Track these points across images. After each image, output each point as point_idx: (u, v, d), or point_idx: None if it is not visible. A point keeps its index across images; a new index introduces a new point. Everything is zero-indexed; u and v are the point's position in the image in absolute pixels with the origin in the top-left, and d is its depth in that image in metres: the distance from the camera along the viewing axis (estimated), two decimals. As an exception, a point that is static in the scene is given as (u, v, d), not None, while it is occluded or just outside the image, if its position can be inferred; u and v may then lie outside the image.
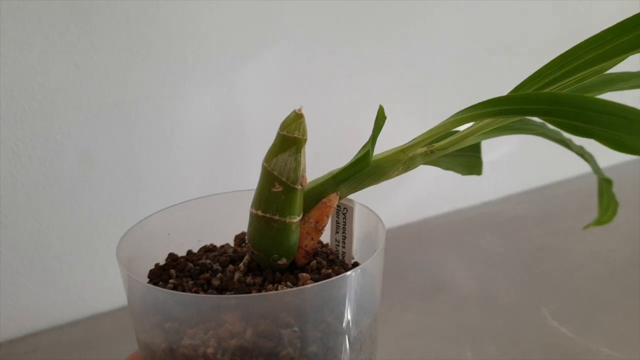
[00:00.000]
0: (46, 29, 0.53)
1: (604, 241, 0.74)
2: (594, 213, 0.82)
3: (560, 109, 0.25)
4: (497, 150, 0.89)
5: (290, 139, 0.27)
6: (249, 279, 0.28)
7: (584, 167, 0.96)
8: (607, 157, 1.02)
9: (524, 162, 0.92)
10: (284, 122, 0.27)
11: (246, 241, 0.33)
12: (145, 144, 0.61)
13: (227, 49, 0.62)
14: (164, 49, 0.59)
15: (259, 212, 0.28)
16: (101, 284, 0.62)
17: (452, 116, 0.30)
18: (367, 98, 0.74)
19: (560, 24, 0.88)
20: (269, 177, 0.27)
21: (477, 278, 0.66)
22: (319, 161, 0.73)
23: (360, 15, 0.70)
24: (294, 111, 0.27)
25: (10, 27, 0.51)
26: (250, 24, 0.63)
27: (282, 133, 0.27)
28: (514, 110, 0.27)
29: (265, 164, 0.28)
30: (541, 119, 0.27)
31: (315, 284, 0.26)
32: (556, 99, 0.25)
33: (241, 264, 0.29)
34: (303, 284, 0.27)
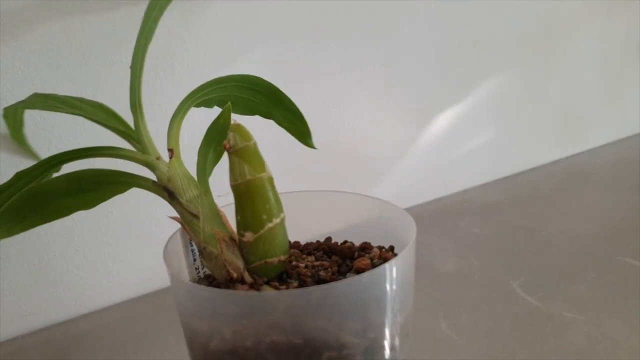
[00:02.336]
0: (41, 41, 0.58)
1: (573, 221, 0.79)
2: (564, 195, 0.87)
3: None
4: (475, 140, 0.94)
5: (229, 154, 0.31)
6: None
7: (556, 154, 1.02)
8: (584, 141, 1.08)
9: (500, 151, 0.97)
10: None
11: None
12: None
13: (210, 56, 0.67)
14: (153, 59, 0.64)
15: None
16: (106, 281, 0.67)
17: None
18: (348, 97, 0.79)
19: (529, 20, 0.93)
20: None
21: (453, 258, 0.71)
22: (303, 160, 0.78)
23: (336, 17, 0.75)
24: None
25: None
26: (229, 32, 0.68)
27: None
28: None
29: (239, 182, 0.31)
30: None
31: (358, 275, 0.26)
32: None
33: None
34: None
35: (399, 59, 0.82)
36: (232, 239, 0.30)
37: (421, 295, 0.63)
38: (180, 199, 0.31)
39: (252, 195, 0.29)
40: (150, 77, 0.64)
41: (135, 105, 0.35)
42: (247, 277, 0.29)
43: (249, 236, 0.29)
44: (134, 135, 0.34)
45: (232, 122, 0.30)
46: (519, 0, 0.91)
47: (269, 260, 0.29)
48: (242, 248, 0.29)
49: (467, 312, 0.59)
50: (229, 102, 0.31)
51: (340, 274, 0.31)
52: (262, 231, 0.29)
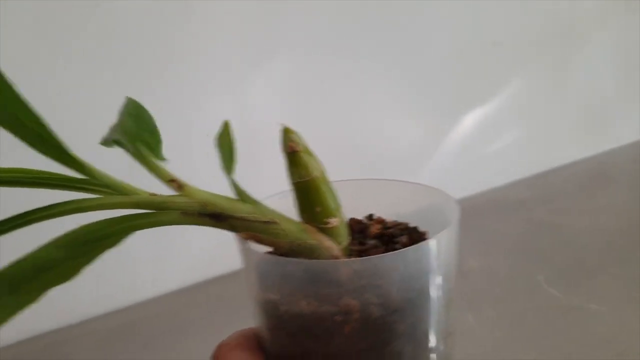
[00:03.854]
0: (72, 49, 0.62)
1: (596, 217, 0.81)
2: (588, 193, 0.88)
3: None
4: (500, 139, 0.96)
5: (288, 155, 0.31)
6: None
7: (580, 153, 1.03)
8: (607, 140, 1.09)
9: (525, 150, 0.99)
10: (281, 142, 0.31)
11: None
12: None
13: (235, 62, 0.71)
14: (180, 66, 0.67)
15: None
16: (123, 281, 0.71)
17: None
18: (367, 100, 0.82)
19: (551, 20, 0.95)
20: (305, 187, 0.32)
21: (479, 254, 0.73)
22: (329, 162, 0.80)
23: (355, 24, 0.78)
24: (281, 130, 0.31)
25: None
26: (253, 39, 0.71)
27: (284, 152, 0.31)
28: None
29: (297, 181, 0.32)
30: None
31: (413, 246, 0.29)
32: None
33: None
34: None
35: (424, 60, 0.85)
36: (314, 228, 0.32)
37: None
38: (238, 215, 0.31)
39: (321, 188, 0.32)
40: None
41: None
42: (342, 254, 0.32)
43: (334, 221, 0.32)
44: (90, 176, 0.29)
45: (281, 126, 0.32)
46: (540, 0, 0.92)
47: (346, 241, 0.32)
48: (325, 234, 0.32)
49: (492, 305, 0.61)
50: (228, 120, 0.31)
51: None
52: (339, 217, 0.32)
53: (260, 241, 0.31)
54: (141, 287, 0.71)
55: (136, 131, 0.33)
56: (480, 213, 0.87)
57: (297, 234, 0.31)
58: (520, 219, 0.84)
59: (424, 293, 0.29)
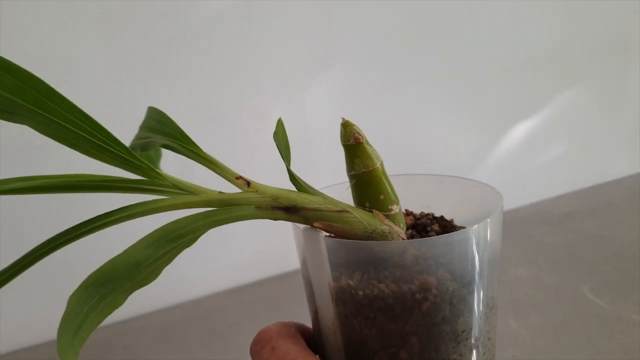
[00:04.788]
0: (144, 62, 0.66)
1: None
2: (637, 207, 0.87)
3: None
4: (549, 152, 0.96)
5: (351, 146, 0.33)
6: None
7: (632, 168, 1.02)
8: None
9: (575, 164, 0.99)
10: (341, 135, 0.33)
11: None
12: (227, 150, 0.72)
13: (293, 72, 0.74)
14: (242, 75, 0.71)
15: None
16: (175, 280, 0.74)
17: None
18: (419, 109, 0.83)
19: (602, 33, 0.95)
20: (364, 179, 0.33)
21: (525, 263, 0.74)
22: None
23: (409, 33, 0.80)
24: (341, 123, 0.33)
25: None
26: (311, 50, 0.74)
27: (345, 144, 0.33)
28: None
29: (352, 173, 0.33)
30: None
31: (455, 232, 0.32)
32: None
33: None
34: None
35: (473, 73, 0.86)
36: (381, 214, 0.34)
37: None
38: (311, 206, 0.32)
39: (383, 177, 0.34)
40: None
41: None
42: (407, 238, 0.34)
43: (395, 208, 0.34)
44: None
45: (342, 119, 0.34)
46: (591, 14, 0.93)
47: (404, 226, 0.35)
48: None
49: (536, 312, 0.62)
50: (280, 117, 0.33)
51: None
52: (399, 204, 0.34)
53: (334, 230, 0.32)
54: (191, 286, 0.74)
55: (175, 134, 0.34)
56: (528, 224, 0.88)
57: (369, 220, 0.32)
58: (567, 230, 0.84)
59: (482, 268, 0.32)
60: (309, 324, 0.36)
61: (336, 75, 0.76)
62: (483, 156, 0.91)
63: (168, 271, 0.73)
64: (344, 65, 0.77)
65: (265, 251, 0.75)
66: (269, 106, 0.73)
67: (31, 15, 0.60)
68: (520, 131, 0.93)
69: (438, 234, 0.36)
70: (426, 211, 0.40)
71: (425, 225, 0.38)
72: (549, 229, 0.85)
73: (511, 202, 0.95)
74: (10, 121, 0.25)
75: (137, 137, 0.35)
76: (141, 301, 0.71)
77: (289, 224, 0.34)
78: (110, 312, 0.26)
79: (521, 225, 0.88)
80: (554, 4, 0.89)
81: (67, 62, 0.63)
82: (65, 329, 0.24)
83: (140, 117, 0.37)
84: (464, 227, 0.37)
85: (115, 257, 0.28)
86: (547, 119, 0.94)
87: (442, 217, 0.39)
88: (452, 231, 0.34)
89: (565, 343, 0.56)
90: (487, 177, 0.91)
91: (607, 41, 0.96)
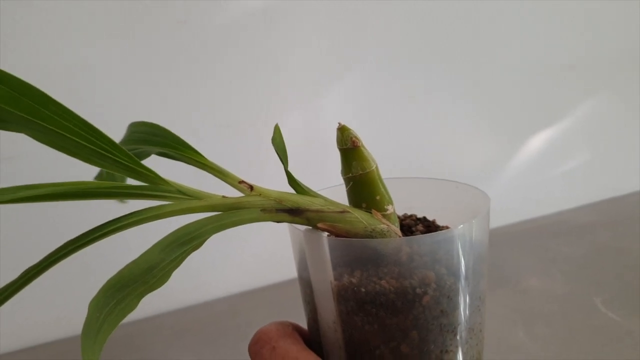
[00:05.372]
0: (168, 71, 0.68)
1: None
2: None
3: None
4: (569, 162, 0.95)
5: (348, 149, 0.34)
6: None
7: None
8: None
9: (595, 175, 0.98)
10: (338, 140, 0.34)
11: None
12: (241, 157, 0.74)
13: (309, 80, 0.75)
14: (260, 82, 0.72)
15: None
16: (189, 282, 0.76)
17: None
18: (438, 117, 0.84)
19: (624, 44, 0.94)
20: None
21: (539, 273, 0.74)
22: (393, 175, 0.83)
23: (428, 41, 0.80)
24: (338, 128, 0.34)
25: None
26: (328, 57, 0.75)
27: (342, 148, 0.34)
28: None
29: (349, 176, 0.34)
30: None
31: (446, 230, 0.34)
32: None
33: None
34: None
35: (493, 82, 0.86)
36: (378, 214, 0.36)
37: (501, 305, 0.66)
38: (314, 208, 0.33)
39: (378, 180, 0.35)
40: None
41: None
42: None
43: (391, 209, 0.35)
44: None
45: (338, 124, 0.35)
46: (614, 24, 0.92)
47: (398, 225, 0.36)
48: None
49: (546, 323, 0.62)
50: (277, 124, 0.34)
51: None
52: (393, 204, 0.35)
53: (336, 230, 0.33)
54: (204, 289, 0.75)
55: (170, 142, 0.35)
56: (544, 234, 0.87)
57: (369, 219, 0.34)
58: (584, 242, 0.83)
59: (475, 262, 0.33)
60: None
61: (353, 84, 0.77)
62: (502, 165, 0.91)
63: (182, 275, 0.74)
64: (362, 73, 0.77)
65: (278, 255, 0.76)
66: (284, 114, 0.74)
67: (44, 21, 0.62)
68: (539, 141, 0.92)
69: (422, 233, 0.37)
70: (409, 212, 0.42)
71: (410, 226, 0.39)
72: (566, 240, 0.84)
73: (529, 212, 0.95)
74: (5, 130, 0.26)
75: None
76: (155, 303, 0.73)
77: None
78: (124, 316, 0.27)
79: (538, 235, 0.87)
80: (577, 14, 0.88)
81: (84, 70, 0.65)
82: (87, 334, 0.25)
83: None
84: (447, 227, 0.38)
85: (131, 262, 0.28)
86: (567, 129, 0.94)
87: (424, 217, 0.41)
88: (436, 231, 0.36)
89: (571, 355, 0.56)
90: (506, 186, 0.91)
91: (629, 52, 0.95)
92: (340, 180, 0.37)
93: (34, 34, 0.62)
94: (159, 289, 0.74)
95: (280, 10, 0.71)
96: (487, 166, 0.90)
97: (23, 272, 0.27)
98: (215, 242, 0.72)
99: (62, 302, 0.70)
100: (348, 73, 0.77)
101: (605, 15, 0.90)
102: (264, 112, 0.73)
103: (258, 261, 0.78)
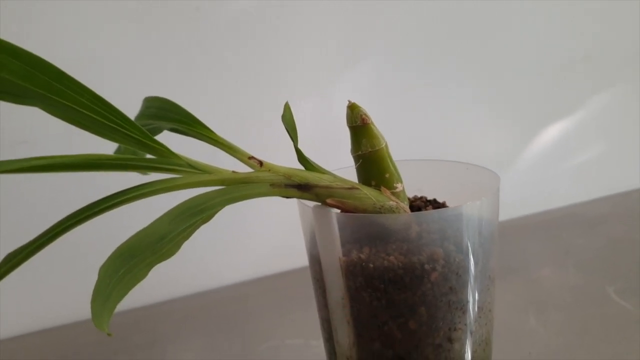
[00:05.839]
0: (191, 63, 0.68)
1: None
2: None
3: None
4: (584, 154, 0.94)
5: (358, 127, 0.35)
6: None
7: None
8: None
9: (610, 167, 0.97)
10: (348, 117, 0.35)
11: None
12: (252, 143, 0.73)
13: (323, 67, 0.74)
14: (272, 72, 0.72)
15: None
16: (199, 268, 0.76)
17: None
18: (450, 109, 0.83)
19: (636, 38, 0.93)
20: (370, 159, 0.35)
21: (551, 264, 0.73)
22: (407, 169, 0.83)
23: (441, 31, 0.80)
24: (348, 106, 0.35)
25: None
26: (340, 46, 0.75)
27: (352, 126, 0.35)
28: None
29: (358, 154, 0.35)
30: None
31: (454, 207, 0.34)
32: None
33: None
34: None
35: (506, 73, 0.86)
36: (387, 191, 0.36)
37: (513, 294, 0.66)
38: (322, 184, 0.33)
39: (387, 157, 0.35)
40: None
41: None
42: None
43: (400, 187, 0.35)
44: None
45: (348, 102, 0.35)
46: (630, 16, 0.91)
47: (408, 203, 0.36)
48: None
49: (558, 311, 0.61)
50: (287, 102, 0.35)
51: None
52: (402, 182, 0.35)
53: (345, 206, 0.34)
54: (215, 276, 0.76)
55: (182, 118, 0.35)
56: (559, 227, 0.87)
57: (377, 196, 0.34)
58: (598, 234, 0.82)
59: (484, 241, 0.33)
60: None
61: (366, 74, 0.77)
62: (515, 157, 0.90)
63: (192, 261, 0.75)
64: (375, 64, 0.77)
65: (289, 243, 0.76)
66: (297, 103, 0.74)
67: (63, 14, 0.63)
68: (554, 133, 0.92)
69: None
70: (419, 195, 0.42)
71: (419, 208, 0.39)
72: (580, 232, 0.84)
73: (543, 204, 0.94)
74: (20, 104, 0.26)
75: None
76: (165, 289, 0.73)
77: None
78: (134, 285, 0.27)
79: (551, 227, 0.87)
80: (594, 5, 0.87)
81: (98, 60, 0.65)
82: (96, 300, 0.25)
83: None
84: None
85: (140, 231, 0.29)
86: (582, 121, 0.93)
87: (434, 199, 0.41)
88: None
89: (583, 343, 0.55)
90: (519, 177, 0.91)
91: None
92: (350, 162, 0.37)
93: (49, 26, 0.62)
94: (169, 276, 0.75)
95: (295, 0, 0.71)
96: (500, 158, 0.90)
97: (35, 237, 0.28)
98: (226, 229, 0.73)
99: (70, 283, 0.70)
100: (362, 64, 0.77)
101: (622, 7, 0.89)
102: (276, 102, 0.73)
103: (268, 249, 0.78)
